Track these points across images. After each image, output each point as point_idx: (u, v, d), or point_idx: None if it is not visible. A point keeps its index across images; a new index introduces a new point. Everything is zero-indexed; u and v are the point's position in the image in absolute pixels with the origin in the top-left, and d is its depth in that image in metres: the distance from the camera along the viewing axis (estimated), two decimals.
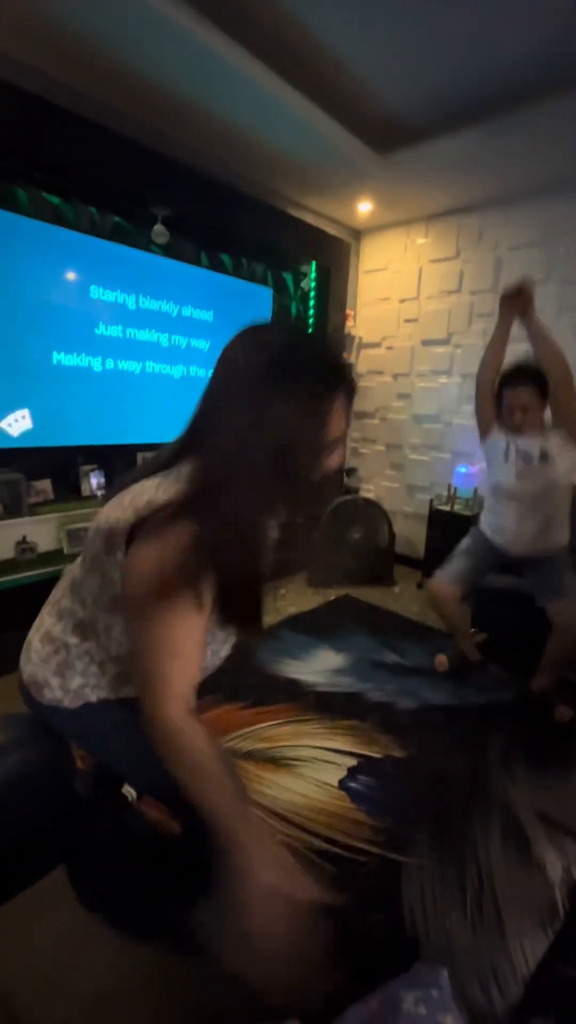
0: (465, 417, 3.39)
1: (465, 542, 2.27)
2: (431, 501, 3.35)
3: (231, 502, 0.75)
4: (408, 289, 3.54)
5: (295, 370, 0.79)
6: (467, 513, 3.17)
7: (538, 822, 1.57)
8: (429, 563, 3.35)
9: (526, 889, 1.36)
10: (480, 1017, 1.08)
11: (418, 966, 0.95)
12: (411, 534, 3.71)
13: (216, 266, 3.05)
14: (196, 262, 2.92)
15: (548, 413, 2.00)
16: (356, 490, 3.90)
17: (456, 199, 3.09)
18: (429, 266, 3.41)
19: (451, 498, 3.26)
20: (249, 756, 1.79)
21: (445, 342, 3.41)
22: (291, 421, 0.77)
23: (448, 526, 3.22)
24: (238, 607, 0.83)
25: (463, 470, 3.28)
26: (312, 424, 0.79)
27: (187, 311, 2.91)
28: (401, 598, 3.28)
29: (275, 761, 1.78)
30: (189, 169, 2.60)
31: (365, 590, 3.34)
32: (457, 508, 3.22)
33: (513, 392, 1.98)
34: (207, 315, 3.00)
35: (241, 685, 2.20)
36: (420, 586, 3.42)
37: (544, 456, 1.94)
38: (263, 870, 0.74)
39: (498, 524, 2.13)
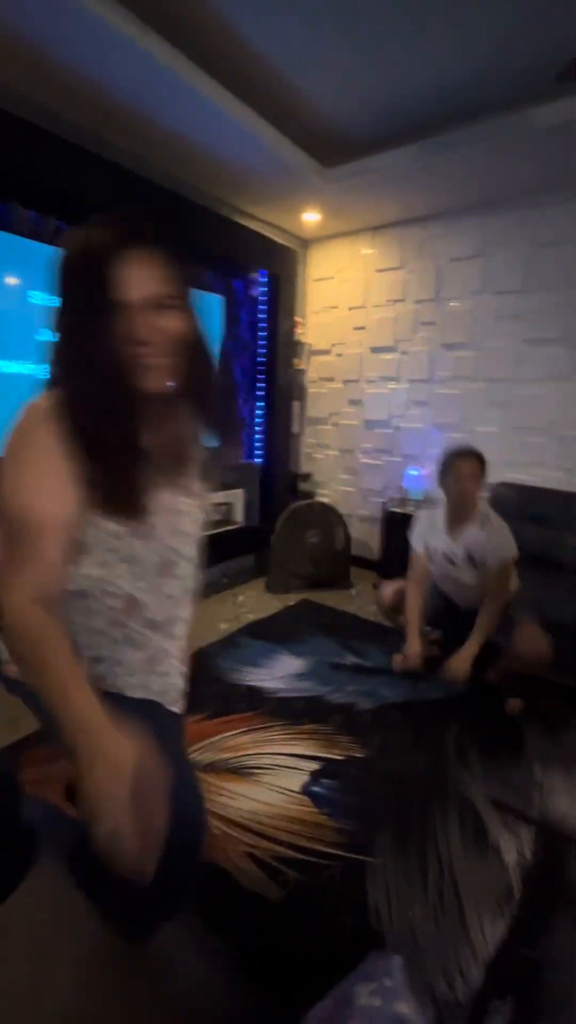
0: (413, 421, 3.50)
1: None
2: (384, 504, 3.44)
3: (71, 376, 0.81)
4: (356, 297, 3.63)
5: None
6: None
7: (493, 809, 1.64)
8: (385, 564, 3.44)
9: (484, 875, 1.42)
10: (444, 1004, 1.11)
11: (371, 957, 0.97)
12: (366, 536, 3.78)
13: None
14: None
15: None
16: (312, 495, 3.94)
17: (399, 211, 3.20)
18: (375, 275, 3.51)
19: (403, 500, 3.36)
20: (211, 768, 1.77)
21: (392, 349, 3.51)
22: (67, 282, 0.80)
23: (401, 527, 3.31)
24: (106, 484, 0.81)
25: (414, 472, 3.39)
26: (81, 280, 0.78)
27: None
28: (358, 600, 3.34)
29: (238, 771, 1.77)
30: (133, 174, 2.56)
31: (323, 593, 3.38)
32: (409, 510, 3.32)
33: (462, 466, 2.09)
34: None
35: (201, 696, 2.17)
36: (376, 587, 3.50)
37: (471, 560, 2.14)
38: (109, 757, 0.65)
39: (449, 596, 2.37)
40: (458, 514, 2.15)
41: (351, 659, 2.56)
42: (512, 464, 3.14)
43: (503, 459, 3.17)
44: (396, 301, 3.45)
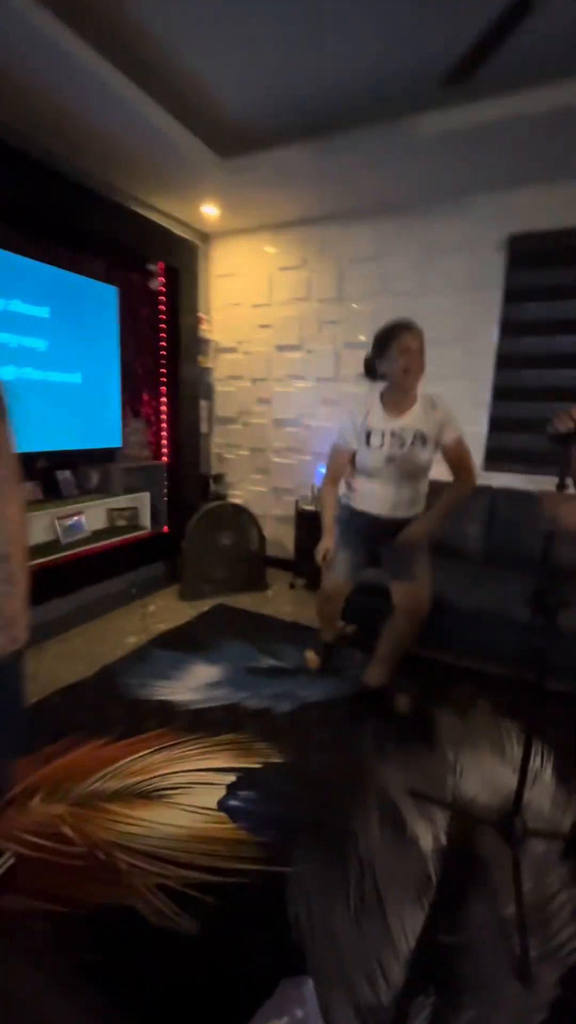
0: (321, 420, 3.53)
1: (336, 535, 2.09)
2: (296, 502, 3.43)
3: None
4: (260, 295, 3.59)
5: None
6: None
7: (410, 799, 1.65)
8: (300, 563, 3.43)
9: (404, 868, 1.41)
10: (368, 1010, 1.07)
11: (283, 985, 0.90)
12: (281, 536, 3.75)
13: (51, 259, 2.76)
14: (21, 251, 2.61)
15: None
16: (224, 496, 3.84)
17: (299, 211, 3.21)
18: (278, 273, 3.50)
19: (315, 498, 3.37)
20: (117, 796, 1.62)
21: (298, 348, 3.52)
22: None
23: (315, 525, 3.31)
24: None
25: (323, 470, 3.40)
26: None
27: (15, 305, 2.58)
28: (274, 600, 3.29)
29: (148, 795, 1.63)
30: (15, 151, 2.31)
31: (239, 597, 3.29)
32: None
33: (405, 337, 1.79)
34: (41, 311, 2.70)
35: (105, 718, 1.99)
36: (292, 586, 3.47)
37: (422, 439, 1.88)
38: None
39: (374, 493, 1.99)
40: (401, 396, 1.87)
41: (268, 662, 2.50)
42: None
43: None
44: (300, 300, 3.45)
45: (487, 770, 1.80)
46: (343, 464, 2.05)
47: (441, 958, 1.19)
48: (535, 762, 1.82)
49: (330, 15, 1.78)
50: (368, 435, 1.92)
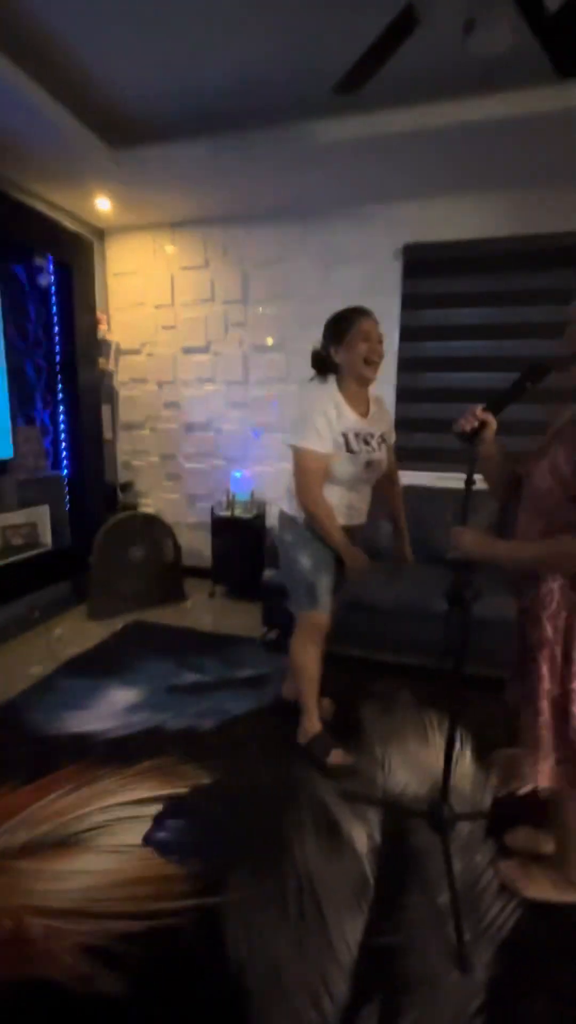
0: (233, 423, 3.47)
1: (305, 560, 1.79)
2: (212, 508, 3.33)
3: None
4: (162, 295, 3.45)
5: None
6: (247, 516, 3.24)
7: (342, 801, 1.64)
8: (218, 571, 3.34)
9: (341, 874, 1.39)
10: None
11: None
12: (197, 544, 3.63)
13: None
14: None
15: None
16: (134, 506, 3.64)
17: (200, 210, 3.13)
18: (181, 273, 3.39)
19: (230, 503, 3.30)
20: (25, 850, 1.44)
21: (205, 350, 3.43)
22: None
23: (231, 531, 3.25)
24: None
25: (238, 475, 3.35)
26: None
27: None
28: (194, 611, 3.17)
29: (63, 843, 1.47)
30: None
31: (155, 611, 3.13)
32: (237, 513, 3.27)
33: (365, 323, 1.65)
34: None
35: (8, 761, 1.77)
36: (212, 595, 3.37)
37: (382, 439, 1.79)
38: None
39: (350, 505, 1.81)
40: (360, 392, 1.71)
41: (190, 677, 2.39)
42: None
43: None
44: (205, 301, 3.37)
45: (414, 761, 1.85)
46: (324, 467, 1.67)
47: (383, 961, 1.18)
48: (457, 747, 1.91)
49: (224, 15, 1.74)
50: (346, 439, 1.66)
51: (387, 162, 2.47)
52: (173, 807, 1.60)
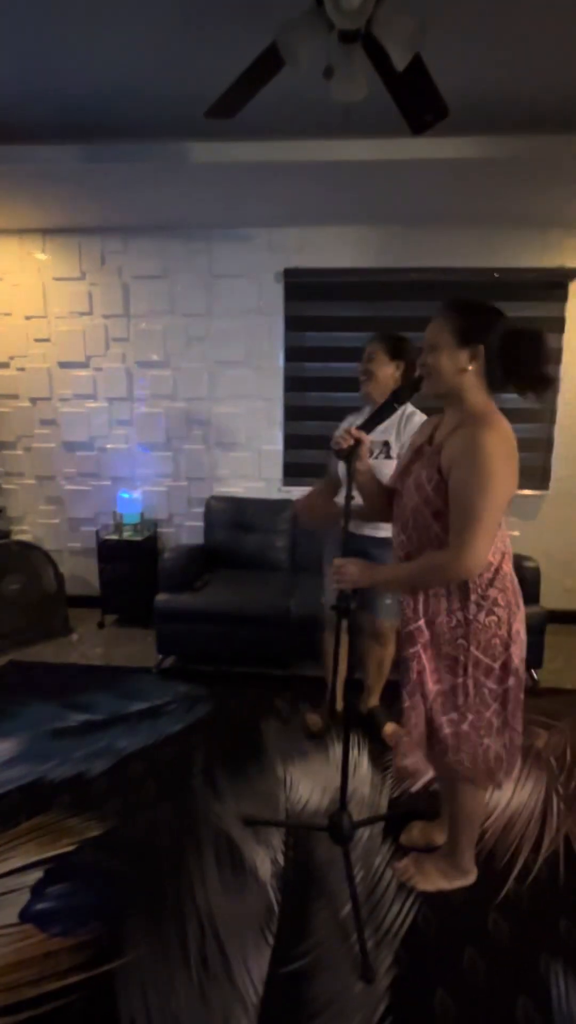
0: (119, 442, 3.30)
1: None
2: (98, 532, 3.13)
3: None
4: (33, 306, 3.20)
5: None
6: (137, 539, 3.09)
7: (245, 828, 1.60)
8: (108, 599, 3.13)
9: (245, 908, 1.35)
10: None
11: None
12: (83, 571, 3.37)
13: None
14: None
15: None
16: (7, 533, 3.29)
17: (72, 217, 2.96)
18: (54, 284, 3.17)
19: (118, 526, 3.12)
20: None
21: (84, 365, 3.24)
22: None
23: (120, 555, 3.07)
24: None
25: (126, 495, 3.19)
26: None
27: None
28: (81, 645, 2.93)
29: None
30: None
31: (36, 648, 2.84)
32: (126, 535, 3.11)
33: (369, 347, 1.91)
34: None
35: None
36: (102, 625, 3.15)
37: (387, 446, 1.90)
38: None
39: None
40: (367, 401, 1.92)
41: (77, 718, 2.19)
42: (220, 479, 3.29)
43: (211, 474, 3.29)
44: (83, 314, 3.19)
45: (314, 774, 1.86)
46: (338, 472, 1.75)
47: (290, 990, 1.15)
48: (354, 753, 1.96)
49: (97, 20, 1.66)
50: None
51: (263, 189, 2.55)
52: (56, 871, 1.44)
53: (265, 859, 1.49)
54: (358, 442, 1.23)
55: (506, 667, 1.19)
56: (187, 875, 1.43)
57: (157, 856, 1.49)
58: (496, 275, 2.92)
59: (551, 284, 2.93)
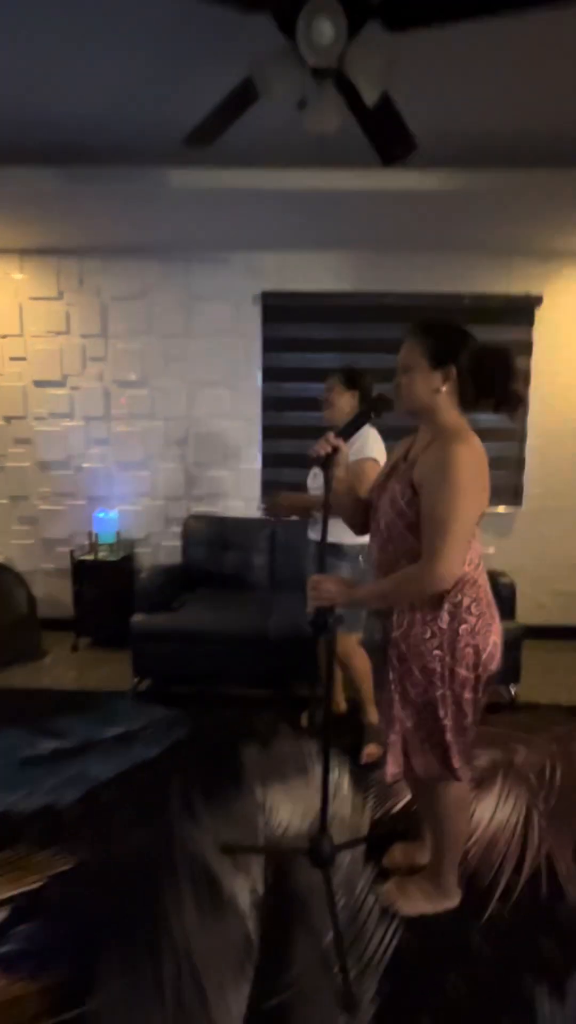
0: (96, 460, 3.27)
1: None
2: (72, 553, 3.06)
3: None
4: (9, 325, 3.18)
5: None
6: (113, 559, 3.03)
7: (223, 856, 1.55)
8: (82, 621, 3.05)
9: (223, 938, 1.29)
10: None
11: None
12: (57, 593, 3.29)
13: None
14: None
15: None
16: None
17: (50, 238, 2.98)
18: (30, 303, 3.17)
19: (93, 545, 3.07)
20: None
21: (61, 384, 3.22)
22: None
23: (96, 576, 3.01)
24: None
25: (102, 515, 3.14)
26: None
27: None
28: (54, 668, 2.84)
29: None
30: None
31: (6, 673, 2.74)
32: (102, 556, 3.05)
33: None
34: None
35: None
36: (75, 648, 3.06)
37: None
38: None
39: None
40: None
41: (48, 745, 2.10)
42: (198, 497, 3.27)
43: (189, 493, 3.28)
44: (59, 333, 3.18)
45: (294, 796, 1.82)
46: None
47: None
48: (334, 775, 1.93)
49: (81, 47, 1.70)
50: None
51: (241, 215, 2.61)
52: (23, 909, 1.36)
53: (244, 888, 1.44)
54: (336, 449, 1.24)
55: (480, 678, 1.19)
56: (162, 908, 1.37)
57: (130, 889, 1.43)
58: (466, 300, 3.03)
59: (518, 309, 3.06)
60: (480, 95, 1.86)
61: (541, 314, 3.07)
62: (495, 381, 1.19)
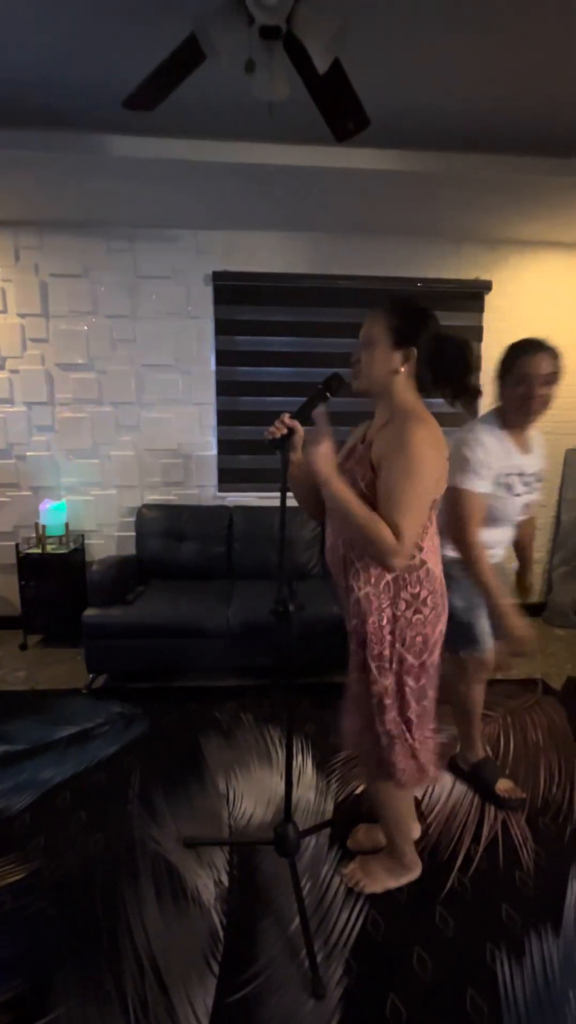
0: (39, 449, 3.09)
1: (457, 601, 1.47)
2: (17, 546, 2.89)
3: None
4: None
5: None
6: (62, 551, 2.89)
7: (185, 851, 1.51)
8: (30, 618, 2.89)
9: (187, 936, 1.26)
10: None
11: None
12: (1, 589, 3.11)
13: None
14: None
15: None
16: None
17: None
18: None
19: (40, 538, 2.91)
20: None
21: None
22: None
23: (44, 570, 2.86)
24: None
25: (50, 506, 2.98)
26: None
27: None
28: (1, 670, 2.69)
29: None
30: None
31: None
32: (50, 548, 2.90)
33: (531, 362, 1.49)
34: None
35: None
36: (24, 647, 2.91)
37: (538, 478, 1.65)
38: None
39: (499, 542, 1.68)
40: (524, 427, 1.58)
41: None
42: (152, 486, 3.16)
43: (142, 481, 3.16)
44: None
45: (258, 785, 1.80)
46: (484, 510, 1.52)
47: (238, 1021, 1.08)
48: (298, 760, 1.92)
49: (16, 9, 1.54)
50: (509, 481, 1.54)
51: (188, 189, 2.49)
52: None
53: (208, 882, 1.41)
54: (291, 431, 1.20)
55: (424, 665, 1.20)
56: (123, 911, 1.32)
57: (89, 894, 1.37)
58: (419, 284, 3.04)
59: (469, 295, 3.10)
60: (434, 77, 1.83)
61: (490, 300, 3.13)
62: (452, 372, 1.18)
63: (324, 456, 1.12)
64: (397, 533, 1.06)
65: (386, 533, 1.05)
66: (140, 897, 1.36)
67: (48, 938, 1.25)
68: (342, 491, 1.11)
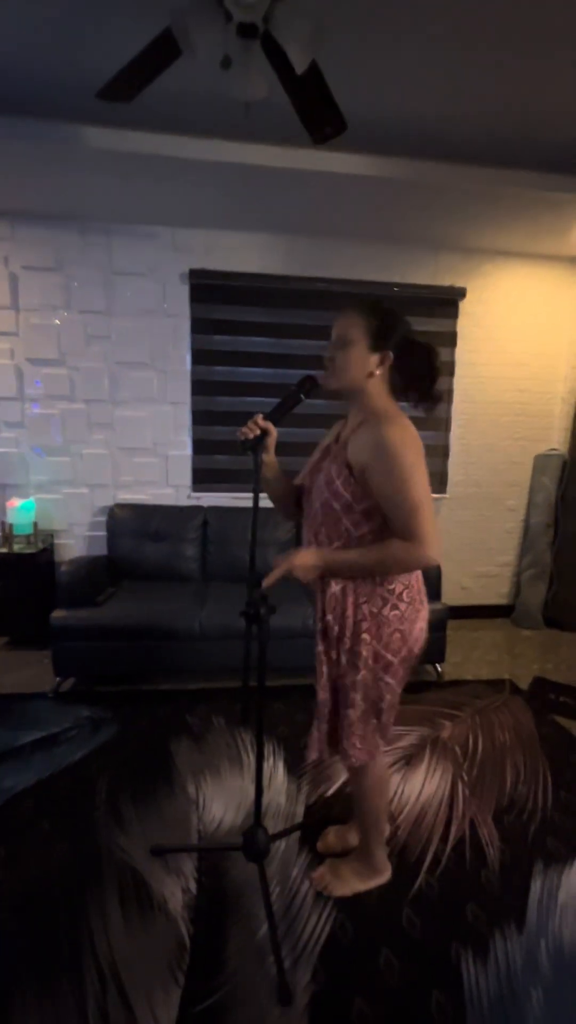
0: (8, 445, 3.00)
1: None
2: None
3: None
4: None
5: None
6: (30, 551, 2.81)
7: (152, 859, 1.48)
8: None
9: (151, 948, 1.23)
10: None
11: None
12: None
13: None
14: None
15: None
16: None
17: None
18: None
19: (7, 537, 2.82)
20: None
21: None
22: None
23: (10, 570, 2.78)
24: None
25: (16, 505, 2.90)
26: None
27: None
28: None
29: None
30: None
31: None
32: (17, 548, 2.82)
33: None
34: None
35: None
36: None
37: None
38: None
39: None
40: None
41: None
42: (124, 485, 3.11)
43: (115, 480, 3.10)
44: None
45: (228, 790, 1.78)
46: None
47: None
48: (268, 763, 1.91)
49: None
50: None
51: (165, 185, 2.46)
52: None
53: (176, 890, 1.39)
54: (264, 432, 1.19)
55: (404, 661, 1.21)
56: (85, 924, 1.28)
57: (51, 907, 1.33)
58: (396, 289, 3.07)
59: (444, 301, 3.15)
60: (414, 86, 1.85)
61: (464, 307, 3.18)
62: (419, 376, 1.19)
63: (301, 559, 1.14)
64: (415, 534, 1.07)
65: (398, 549, 1.09)
66: (104, 908, 1.32)
67: (6, 955, 1.21)
68: (338, 558, 1.15)
